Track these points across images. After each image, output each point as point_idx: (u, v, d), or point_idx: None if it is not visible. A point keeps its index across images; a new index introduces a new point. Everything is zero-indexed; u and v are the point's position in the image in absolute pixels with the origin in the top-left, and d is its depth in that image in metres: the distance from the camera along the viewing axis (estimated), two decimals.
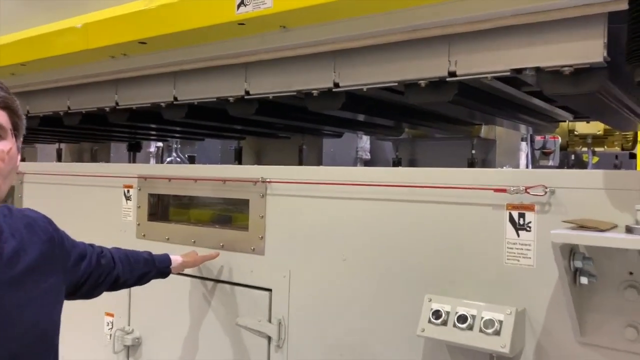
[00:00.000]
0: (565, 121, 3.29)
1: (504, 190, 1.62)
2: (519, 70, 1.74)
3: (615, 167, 5.01)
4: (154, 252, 2.16)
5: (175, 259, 2.20)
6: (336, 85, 2.11)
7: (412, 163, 4.38)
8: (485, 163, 4.17)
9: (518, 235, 1.63)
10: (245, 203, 2.29)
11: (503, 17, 1.66)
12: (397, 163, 4.30)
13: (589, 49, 1.58)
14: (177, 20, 2.10)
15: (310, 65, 2.15)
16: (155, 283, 2.13)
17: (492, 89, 2.12)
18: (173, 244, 2.50)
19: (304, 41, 2.03)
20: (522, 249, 1.62)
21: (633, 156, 5.00)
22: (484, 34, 1.75)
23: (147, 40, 2.26)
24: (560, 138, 4.94)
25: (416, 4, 1.72)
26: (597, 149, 4.94)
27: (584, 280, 1.42)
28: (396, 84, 1.99)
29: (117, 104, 2.90)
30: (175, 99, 2.64)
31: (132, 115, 2.96)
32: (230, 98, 2.44)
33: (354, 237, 2.01)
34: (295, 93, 2.24)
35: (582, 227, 1.35)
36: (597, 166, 4.97)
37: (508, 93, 2.20)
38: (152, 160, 7.44)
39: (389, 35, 1.89)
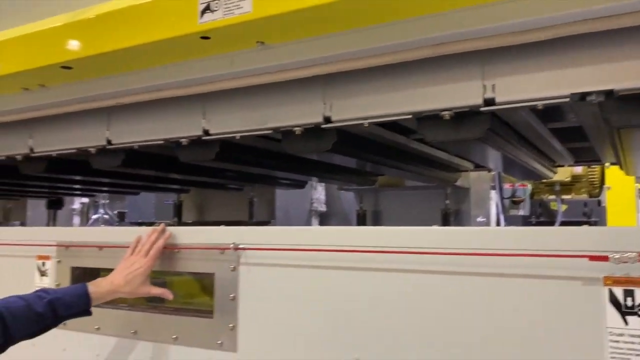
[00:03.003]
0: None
1: (605, 258, 1.14)
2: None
3: (585, 214, 4.79)
4: None
5: (98, 286, 1.60)
6: (327, 120, 1.64)
7: (378, 215, 3.98)
8: (459, 214, 3.82)
9: (626, 323, 1.15)
10: (208, 278, 1.70)
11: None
12: (362, 216, 3.88)
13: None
14: (114, 35, 1.58)
15: (291, 94, 1.66)
16: None
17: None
18: (105, 336, 1.85)
19: (288, 62, 1.54)
20: (632, 344, 1.14)
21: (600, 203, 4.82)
22: None
23: (72, 63, 1.72)
24: (529, 185, 4.70)
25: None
26: (564, 197, 4.71)
27: None
28: (410, 116, 1.53)
29: (31, 150, 2.30)
30: (109, 142, 2.07)
31: (51, 165, 2.36)
32: (184, 140, 1.90)
33: (374, 329, 1.44)
34: (270, 131, 1.75)
35: None
36: (566, 215, 4.72)
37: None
38: (76, 219, 6.68)
39: (406, 52, 1.45)
